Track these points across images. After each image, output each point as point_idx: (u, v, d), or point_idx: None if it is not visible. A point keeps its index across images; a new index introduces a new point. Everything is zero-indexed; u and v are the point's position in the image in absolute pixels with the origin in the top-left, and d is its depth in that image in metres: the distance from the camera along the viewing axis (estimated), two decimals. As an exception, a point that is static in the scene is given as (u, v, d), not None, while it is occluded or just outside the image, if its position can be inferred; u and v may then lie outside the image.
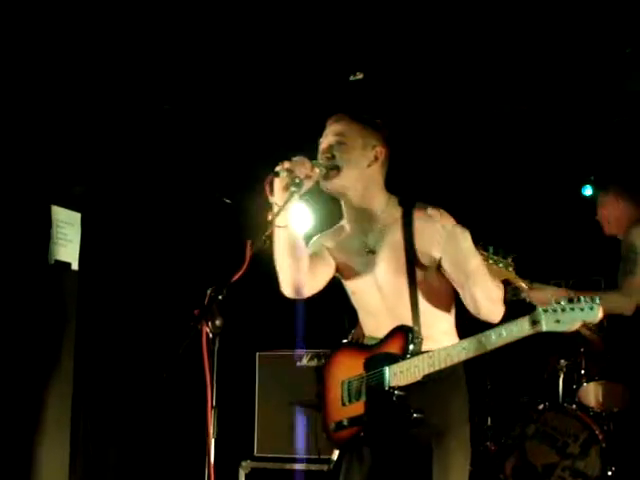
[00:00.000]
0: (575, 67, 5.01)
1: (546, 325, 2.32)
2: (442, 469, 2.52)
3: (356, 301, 2.82)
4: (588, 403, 5.27)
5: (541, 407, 5.25)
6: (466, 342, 2.47)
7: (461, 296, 2.62)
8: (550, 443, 5.10)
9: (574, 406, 5.23)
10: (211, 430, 2.18)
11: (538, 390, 5.67)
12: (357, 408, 2.62)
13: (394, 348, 2.57)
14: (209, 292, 2.19)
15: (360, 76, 4.75)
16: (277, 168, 2.46)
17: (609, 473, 4.90)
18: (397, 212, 2.72)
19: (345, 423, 2.64)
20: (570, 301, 2.31)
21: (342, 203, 2.79)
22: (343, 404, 2.68)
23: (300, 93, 4.96)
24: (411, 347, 2.53)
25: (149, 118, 5.43)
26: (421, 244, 2.63)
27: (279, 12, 4.25)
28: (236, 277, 2.21)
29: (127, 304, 5.97)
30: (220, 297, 2.20)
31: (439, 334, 2.64)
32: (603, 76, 5.10)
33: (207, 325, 2.17)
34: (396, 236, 2.67)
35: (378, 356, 2.61)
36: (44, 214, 5.41)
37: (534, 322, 2.35)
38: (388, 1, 4.21)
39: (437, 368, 2.47)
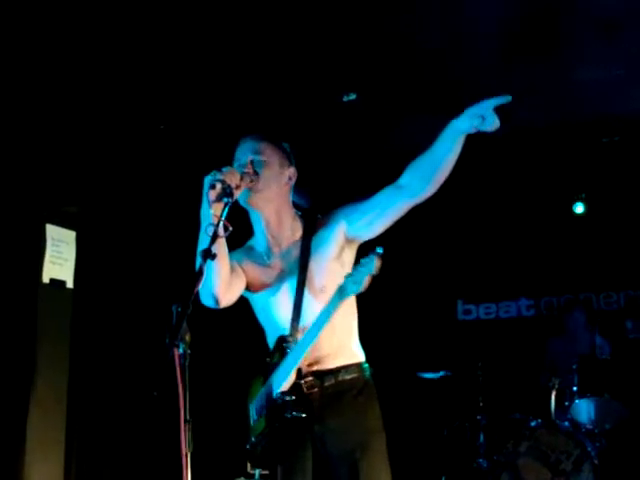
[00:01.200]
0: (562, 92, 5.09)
1: (349, 289, 2.50)
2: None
3: (265, 317, 2.86)
4: (580, 420, 5.29)
5: (533, 424, 5.26)
6: (311, 325, 2.61)
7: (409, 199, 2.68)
8: (543, 460, 5.11)
9: (566, 423, 5.25)
10: (185, 444, 2.18)
11: (530, 407, 5.69)
12: (261, 423, 2.70)
13: (276, 359, 2.69)
14: (175, 308, 2.22)
15: (353, 97, 4.81)
16: (209, 179, 2.51)
17: (602, 490, 4.92)
18: (300, 225, 2.83)
19: (253, 440, 2.72)
20: (363, 263, 2.47)
21: (256, 217, 2.84)
22: (252, 423, 2.77)
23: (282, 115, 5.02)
24: (286, 351, 2.64)
25: (143, 138, 5.47)
26: (318, 245, 2.74)
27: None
28: (196, 289, 2.25)
29: (121, 322, 5.98)
30: (188, 311, 2.22)
31: (341, 343, 2.72)
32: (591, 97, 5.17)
33: (178, 341, 2.19)
34: (296, 244, 2.77)
35: (270, 369, 2.71)
36: (39, 232, 5.43)
37: (341, 289, 2.51)
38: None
39: (300, 358, 2.60)
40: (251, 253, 2.87)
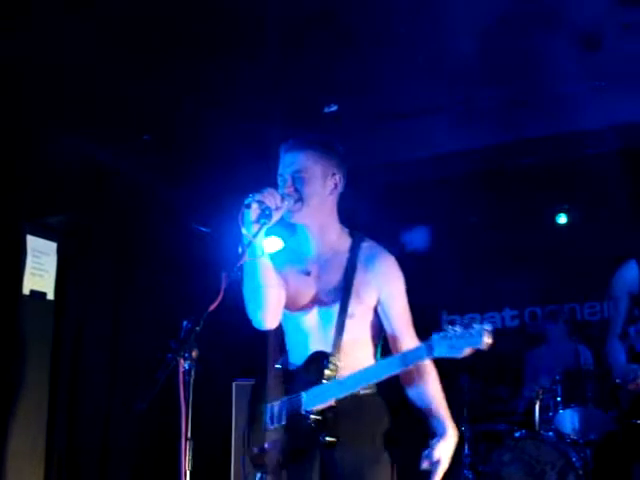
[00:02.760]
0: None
1: (438, 351, 2.40)
2: None
3: (289, 323, 2.83)
4: (565, 430, 5.29)
5: (518, 435, 5.26)
6: (373, 367, 2.61)
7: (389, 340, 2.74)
8: (527, 471, 5.10)
9: (551, 433, 5.24)
10: (186, 462, 2.17)
11: (515, 418, 5.69)
12: (277, 432, 2.68)
13: (311, 373, 2.64)
14: (185, 324, 2.19)
15: (334, 107, 4.81)
16: (248, 200, 2.47)
17: (586, 501, 4.92)
18: (347, 242, 2.78)
19: (266, 447, 2.68)
20: (465, 327, 2.37)
21: (300, 228, 2.81)
22: (265, 428, 2.72)
23: (274, 123, 5.00)
24: (326, 372, 2.60)
25: (126, 148, 5.44)
26: (363, 278, 2.69)
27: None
28: (212, 308, 2.22)
29: (104, 334, 5.92)
30: (197, 328, 2.20)
31: (358, 363, 2.68)
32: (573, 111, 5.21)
33: (183, 357, 2.17)
34: (341, 265, 2.71)
35: (298, 381, 2.67)
36: (19, 244, 5.38)
37: (430, 348, 2.43)
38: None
39: (348, 392, 2.56)
40: (291, 256, 2.83)
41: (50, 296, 5.56)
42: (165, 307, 5.92)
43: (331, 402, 2.58)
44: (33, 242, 5.46)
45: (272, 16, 4.00)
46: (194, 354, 2.18)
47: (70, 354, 5.67)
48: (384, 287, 2.71)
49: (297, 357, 2.76)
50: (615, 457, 5.38)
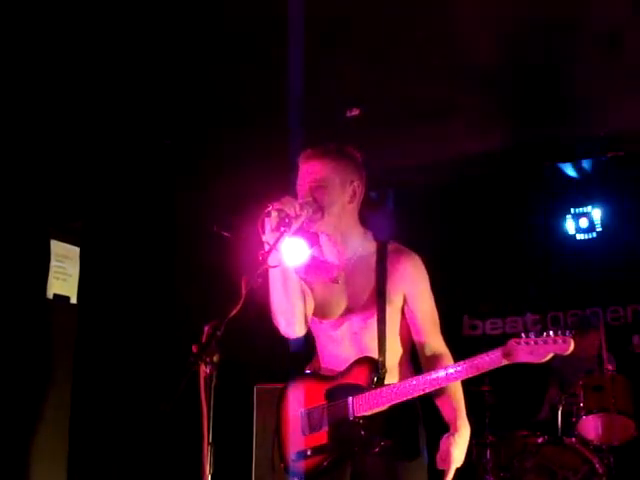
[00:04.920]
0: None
1: (519, 356, 2.41)
2: None
3: (320, 330, 2.81)
4: (588, 436, 5.23)
5: (540, 440, 5.22)
6: (433, 373, 2.54)
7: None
8: (550, 477, 5.06)
9: (574, 439, 5.19)
10: (207, 467, 2.17)
11: (537, 423, 5.64)
12: (319, 438, 2.64)
13: (358, 379, 2.61)
14: (207, 329, 2.20)
15: (356, 112, 4.80)
16: (268, 208, 2.48)
17: (610, 507, 4.87)
18: (372, 246, 2.77)
19: (309, 453, 2.65)
20: (540, 334, 2.41)
21: (322, 237, 2.81)
22: (303, 434, 2.69)
23: (292, 129, 5.02)
24: (376, 378, 2.58)
25: (148, 153, 5.47)
26: (392, 280, 2.69)
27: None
28: (233, 313, 2.22)
29: (126, 338, 5.96)
30: (218, 333, 2.21)
31: (399, 366, 2.70)
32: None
33: (205, 361, 2.18)
34: (370, 269, 2.71)
35: (341, 386, 2.64)
36: (43, 248, 5.43)
37: (507, 354, 2.43)
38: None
39: (405, 398, 2.53)
40: (317, 265, 2.82)
41: (73, 300, 5.60)
42: (187, 311, 5.95)
43: (383, 408, 2.55)
44: (57, 247, 5.51)
45: (292, 17, 4.01)
46: (215, 359, 2.18)
47: (93, 357, 5.71)
48: (410, 287, 2.71)
49: (331, 364, 2.75)
50: (639, 464, 5.34)
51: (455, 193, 6.40)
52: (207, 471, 2.16)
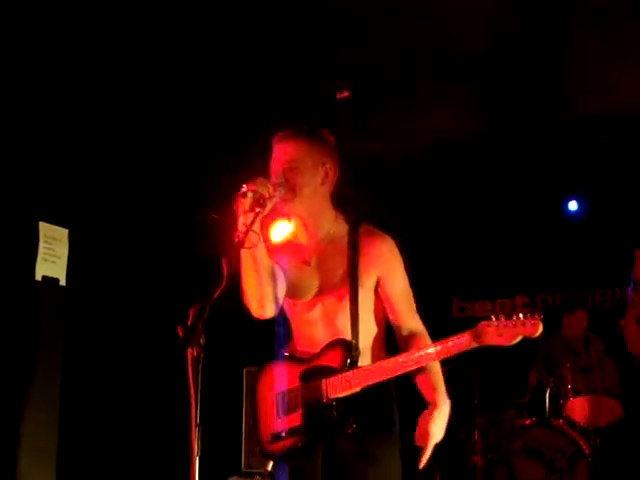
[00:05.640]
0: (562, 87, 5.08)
1: (488, 339, 2.43)
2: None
3: (294, 312, 2.81)
4: (575, 418, 5.28)
5: (528, 422, 5.26)
6: (405, 355, 2.56)
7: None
8: (537, 458, 5.11)
9: (561, 421, 5.24)
10: (195, 448, 2.17)
11: (525, 405, 5.68)
12: (294, 419, 2.65)
13: (332, 361, 2.62)
14: (192, 311, 2.20)
15: (346, 94, 4.78)
16: (242, 189, 2.47)
17: (596, 488, 4.92)
18: (344, 228, 2.78)
19: (284, 435, 2.66)
20: (510, 317, 2.43)
21: (294, 219, 2.80)
22: (278, 416, 2.70)
23: (277, 109, 5.01)
24: (349, 360, 2.59)
25: (135, 136, 5.45)
26: (364, 262, 2.69)
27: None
28: (216, 294, 2.22)
29: (115, 320, 5.96)
30: (204, 315, 2.21)
31: (373, 348, 2.70)
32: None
33: (193, 343, 2.18)
34: (342, 251, 2.71)
35: (315, 369, 2.65)
36: (31, 230, 5.41)
37: (476, 336, 2.44)
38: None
39: (377, 380, 2.55)
40: (288, 247, 2.81)
41: (62, 282, 5.58)
42: (176, 293, 5.94)
43: (357, 390, 2.56)
44: (45, 228, 5.49)
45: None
46: (202, 340, 2.18)
47: (82, 338, 5.71)
48: (383, 269, 2.70)
49: (306, 346, 2.75)
50: (625, 445, 5.39)
51: (444, 175, 6.40)
52: (195, 453, 2.17)
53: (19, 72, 4.58)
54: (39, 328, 5.36)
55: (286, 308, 2.82)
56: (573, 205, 6.76)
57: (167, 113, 5.29)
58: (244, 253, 2.55)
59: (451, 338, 2.49)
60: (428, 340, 2.68)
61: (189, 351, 2.18)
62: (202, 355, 2.18)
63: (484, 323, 2.44)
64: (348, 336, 2.64)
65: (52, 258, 5.53)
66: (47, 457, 5.30)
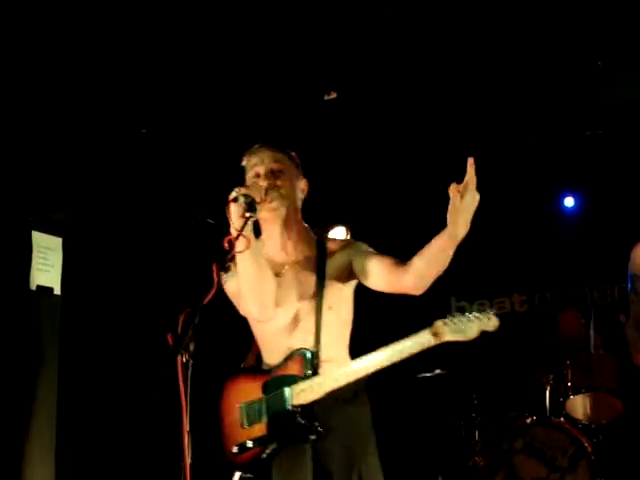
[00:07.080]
0: (551, 82, 5.06)
1: (447, 335, 2.47)
2: None
3: (258, 323, 2.82)
4: (576, 416, 5.26)
5: (529, 421, 5.24)
6: (369, 356, 2.58)
7: (393, 283, 2.68)
8: (539, 457, 5.08)
9: (562, 419, 5.22)
10: (187, 455, 2.16)
11: (525, 404, 5.65)
12: (258, 430, 2.68)
13: (293, 370, 2.65)
14: (182, 317, 2.18)
15: (334, 95, 4.77)
16: (234, 194, 2.48)
17: (598, 486, 4.89)
18: (312, 240, 2.82)
19: (250, 445, 2.68)
20: (463, 314, 2.52)
21: (267, 228, 2.79)
22: (242, 427, 2.72)
23: (276, 115, 5.00)
24: (310, 368, 2.63)
25: (128, 142, 5.43)
26: (332, 269, 2.73)
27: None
28: (206, 300, 2.21)
29: (110, 329, 5.93)
30: (195, 321, 2.19)
31: (338, 355, 2.73)
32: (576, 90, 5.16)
33: (182, 351, 2.16)
34: (311, 261, 2.76)
35: (277, 378, 2.68)
36: (25, 240, 5.39)
37: (434, 333, 2.49)
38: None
39: (341, 384, 2.58)
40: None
41: (57, 291, 5.56)
42: (172, 301, 5.91)
43: (321, 395, 2.59)
44: (38, 238, 5.47)
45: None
46: (191, 347, 2.17)
47: (78, 348, 5.68)
48: (355, 257, 2.74)
49: (272, 357, 2.77)
50: (627, 442, 5.37)
51: (440, 173, 6.37)
52: (187, 460, 2.16)
53: (13, 80, 4.57)
54: (35, 337, 5.33)
55: (250, 318, 2.84)
56: (569, 202, 6.74)
57: (160, 120, 5.28)
58: (243, 257, 2.54)
59: (409, 337, 2.53)
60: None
61: (179, 358, 2.17)
62: (191, 362, 2.17)
63: (441, 320, 2.49)
64: (311, 345, 2.67)
65: (46, 267, 5.51)
66: (44, 467, 5.28)
